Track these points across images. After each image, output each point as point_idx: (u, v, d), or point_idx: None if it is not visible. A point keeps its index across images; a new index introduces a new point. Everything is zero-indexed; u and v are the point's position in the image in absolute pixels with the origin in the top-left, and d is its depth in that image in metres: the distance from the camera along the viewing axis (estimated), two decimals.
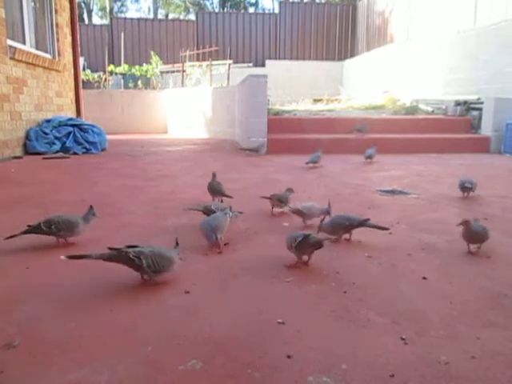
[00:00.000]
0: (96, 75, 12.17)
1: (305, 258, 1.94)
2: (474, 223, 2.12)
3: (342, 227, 2.25)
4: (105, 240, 2.24)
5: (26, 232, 2.10)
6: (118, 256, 1.66)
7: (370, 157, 5.32)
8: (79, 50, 8.00)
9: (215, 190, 3.02)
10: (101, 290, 1.67)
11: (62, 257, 1.63)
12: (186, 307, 1.53)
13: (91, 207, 2.24)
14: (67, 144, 6.28)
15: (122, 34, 14.55)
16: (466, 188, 3.32)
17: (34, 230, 2.11)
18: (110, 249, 1.69)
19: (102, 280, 1.76)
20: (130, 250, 1.67)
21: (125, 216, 2.78)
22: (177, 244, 1.83)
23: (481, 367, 1.18)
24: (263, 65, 15.20)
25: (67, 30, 7.59)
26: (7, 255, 2.06)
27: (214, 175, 3.09)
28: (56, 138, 6.24)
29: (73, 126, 6.52)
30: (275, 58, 15.60)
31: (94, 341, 1.31)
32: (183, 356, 1.23)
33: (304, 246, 1.87)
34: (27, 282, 1.76)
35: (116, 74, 12.66)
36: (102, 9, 31.80)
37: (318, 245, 1.87)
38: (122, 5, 33.71)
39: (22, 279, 1.78)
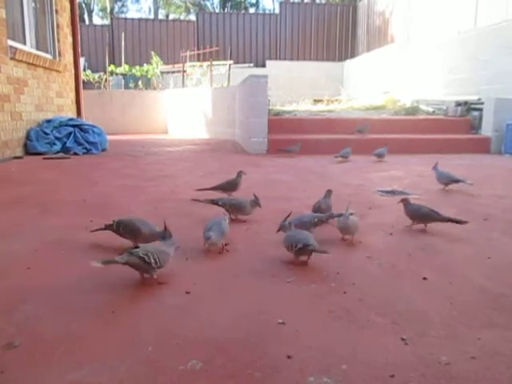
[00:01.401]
0: (96, 75, 12.18)
1: (303, 258, 1.94)
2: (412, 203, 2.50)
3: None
4: (104, 240, 2.24)
5: (105, 228, 2.20)
6: (130, 257, 1.66)
7: (379, 155, 5.45)
8: (80, 50, 8.01)
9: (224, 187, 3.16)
10: (102, 290, 1.67)
11: (94, 263, 1.60)
12: (187, 307, 1.53)
13: (165, 228, 1.92)
14: (68, 144, 6.28)
15: (123, 35, 14.55)
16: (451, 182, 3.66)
17: (107, 227, 2.20)
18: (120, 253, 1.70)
19: (102, 281, 1.76)
20: (138, 249, 1.69)
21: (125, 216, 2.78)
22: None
23: (481, 367, 1.18)
24: (264, 65, 15.20)
25: (68, 31, 7.60)
26: (7, 256, 2.07)
27: (239, 173, 3.19)
28: (56, 138, 6.25)
29: (73, 126, 6.52)
30: (276, 59, 15.61)
31: (95, 341, 1.31)
32: (183, 356, 1.23)
33: (303, 251, 1.88)
34: (28, 282, 1.76)
35: (116, 74, 12.67)
36: (103, 9, 31.82)
37: (318, 252, 1.88)
38: (123, 5, 33.73)
39: (23, 279, 1.78)
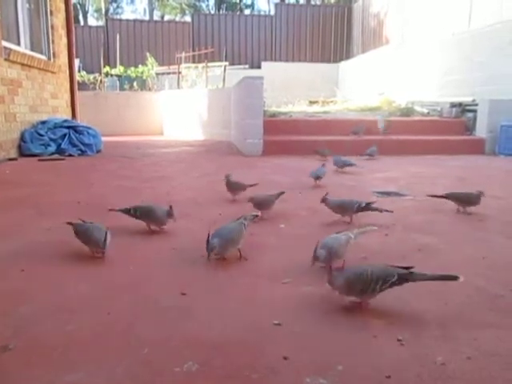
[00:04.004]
0: (91, 77, 12.15)
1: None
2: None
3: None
4: None
5: (121, 211, 2.47)
6: None
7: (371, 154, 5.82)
8: (74, 51, 7.98)
9: (235, 187, 3.24)
10: (98, 292, 1.67)
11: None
12: (183, 309, 1.53)
13: (170, 207, 2.36)
14: (62, 146, 6.25)
15: (118, 36, 14.53)
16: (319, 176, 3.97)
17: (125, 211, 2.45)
18: None
19: (98, 283, 1.76)
20: None
21: (120, 217, 2.77)
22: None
23: (477, 368, 1.18)
24: (259, 66, 15.21)
25: (62, 32, 7.57)
26: (2, 258, 2.05)
27: (228, 176, 3.26)
28: (51, 139, 6.22)
29: (68, 127, 6.49)
30: (271, 60, 15.62)
31: (91, 343, 1.31)
32: (179, 358, 1.22)
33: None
34: (23, 284, 1.75)
35: (111, 75, 12.64)
36: (98, 10, 31.78)
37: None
38: (118, 6, 33.70)
39: (18, 282, 1.77)
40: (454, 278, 1.51)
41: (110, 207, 2.59)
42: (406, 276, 1.50)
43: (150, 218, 2.42)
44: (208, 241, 1.87)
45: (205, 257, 2.00)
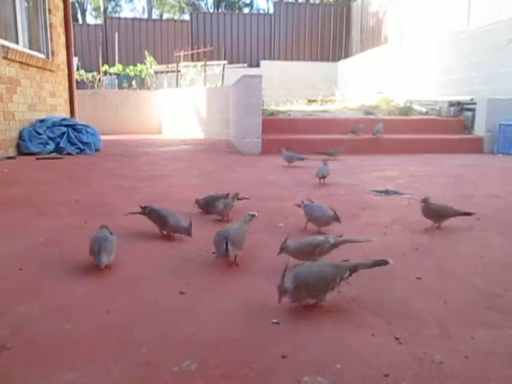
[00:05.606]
0: (90, 75, 12.13)
1: None
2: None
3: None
4: None
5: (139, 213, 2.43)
6: None
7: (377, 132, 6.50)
8: (73, 49, 7.96)
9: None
10: (96, 291, 1.67)
11: None
12: (181, 308, 1.53)
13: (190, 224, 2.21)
14: (61, 144, 6.25)
15: (116, 34, 14.51)
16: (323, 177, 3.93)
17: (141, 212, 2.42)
18: None
19: (96, 282, 1.76)
20: None
21: (118, 217, 2.77)
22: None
23: (474, 367, 1.18)
24: (258, 65, 15.20)
25: (61, 30, 7.55)
26: (0, 257, 2.05)
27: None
28: (50, 138, 6.21)
29: (67, 126, 6.49)
30: (270, 59, 15.61)
31: (89, 343, 1.31)
32: (178, 357, 1.22)
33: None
34: (21, 283, 1.74)
35: (110, 74, 12.63)
36: (96, 8, 31.72)
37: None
38: (116, 5, 33.67)
39: (16, 281, 1.77)
40: (385, 262, 1.58)
41: (112, 207, 2.57)
42: (354, 269, 1.57)
43: (163, 224, 2.32)
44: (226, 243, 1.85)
45: (203, 256, 2.00)
